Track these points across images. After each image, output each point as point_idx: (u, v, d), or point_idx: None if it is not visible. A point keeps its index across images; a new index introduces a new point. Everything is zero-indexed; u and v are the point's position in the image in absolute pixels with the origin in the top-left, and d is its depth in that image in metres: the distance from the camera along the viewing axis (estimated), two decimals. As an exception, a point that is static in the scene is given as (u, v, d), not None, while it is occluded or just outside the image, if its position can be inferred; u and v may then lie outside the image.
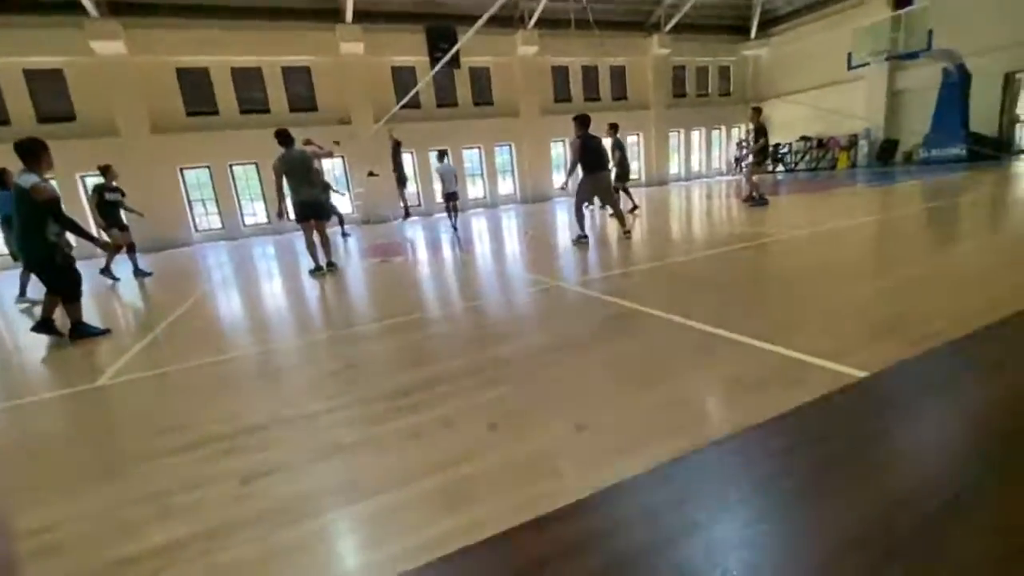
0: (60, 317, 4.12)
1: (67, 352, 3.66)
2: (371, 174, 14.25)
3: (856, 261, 3.94)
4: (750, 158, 8.95)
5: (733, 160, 21.83)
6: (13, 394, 2.87)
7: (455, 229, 10.06)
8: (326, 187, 11.61)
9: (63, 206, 3.80)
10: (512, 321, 3.30)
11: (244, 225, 14.69)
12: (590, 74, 18.87)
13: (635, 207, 9.98)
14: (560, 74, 18.24)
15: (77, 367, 3.27)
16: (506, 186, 18.36)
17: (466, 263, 6.02)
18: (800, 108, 18.68)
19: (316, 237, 6.05)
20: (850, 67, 15.14)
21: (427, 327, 3.32)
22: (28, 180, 3.61)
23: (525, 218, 11.68)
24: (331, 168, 14.82)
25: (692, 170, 21.82)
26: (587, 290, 3.80)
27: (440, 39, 15.18)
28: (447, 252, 7.16)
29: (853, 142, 17.69)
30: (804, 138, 19.24)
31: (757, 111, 8.61)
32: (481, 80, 17.18)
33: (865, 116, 17.05)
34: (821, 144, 18.75)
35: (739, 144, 21.36)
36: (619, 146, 9.44)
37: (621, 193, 9.53)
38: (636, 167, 20.61)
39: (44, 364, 3.45)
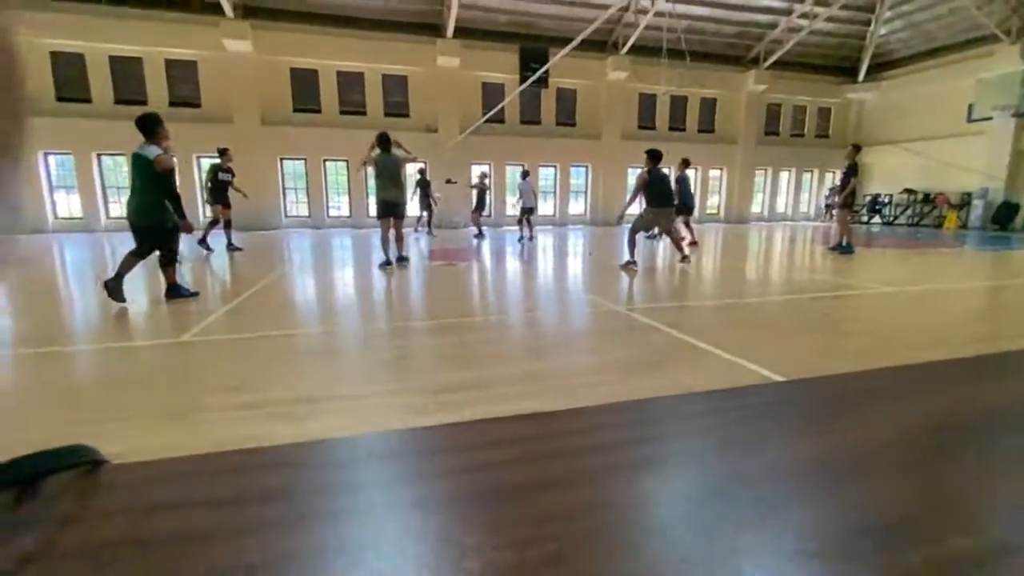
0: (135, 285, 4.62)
1: (161, 309, 4.10)
2: (449, 181, 14.81)
3: (940, 326, 3.58)
4: (838, 199, 8.47)
5: (823, 206, 20.54)
6: (110, 339, 3.25)
7: (530, 239, 10.92)
8: (426, 187, 12.44)
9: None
10: (562, 337, 3.31)
11: (328, 216, 15.72)
12: (678, 104, 18.58)
13: (693, 242, 9.71)
14: (647, 101, 18.10)
15: (167, 324, 3.65)
16: (577, 206, 18.38)
17: (527, 275, 6.10)
18: (907, 158, 17.30)
19: (392, 234, 6.51)
20: (970, 119, 13.85)
21: (479, 331, 3.40)
22: (152, 151, 4.11)
23: (592, 239, 11.62)
24: (412, 172, 15.56)
25: (776, 211, 20.75)
26: (641, 316, 3.73)
27: (532, 59, 15.59)
28: (511, 263, 7.28)
29: (966, 201, 16.09)
30: (908, 191, 17.75)
31: (856, 148, 8.13)
32: (567, 101, 17.42)
33: (984, 173, 15.47)
34: (928, 199, 17.21)
35: (831, 190, 20.08)
36: (680, 180, 9.45)
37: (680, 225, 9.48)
38: (716, 202, 19.95)
39: (141, 318, 3.88)
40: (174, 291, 4.38)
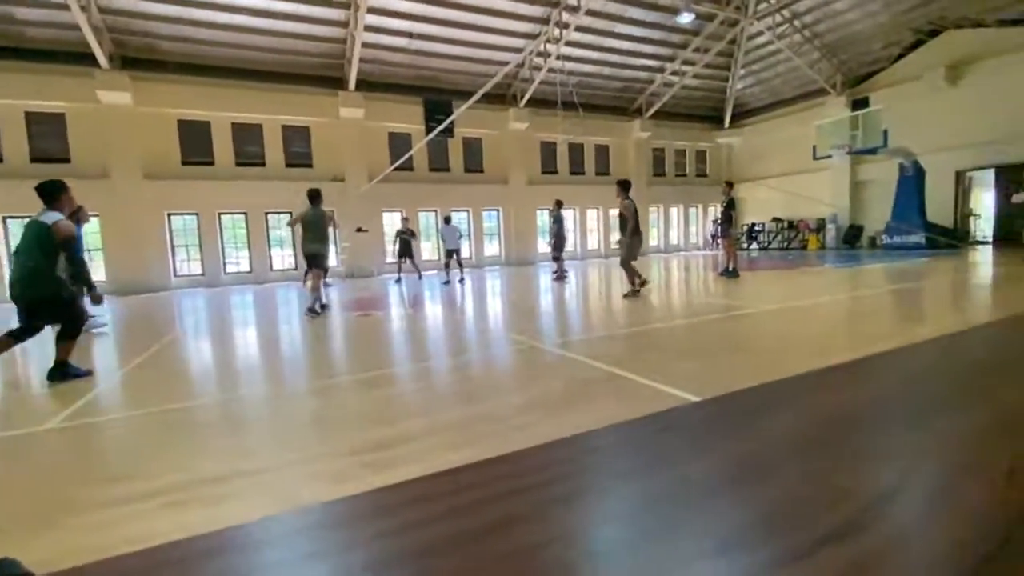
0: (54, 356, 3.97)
1: (32, 390, 3.50)
2: (360, 230, 14.49)
3: (816, 337, 4.09)
4: (724, 229, 9.61)
5: (710, 236, 22.83)
6: (-45, 435, 2.71)
7: (460, 280, 11.31)
8: (409, 236, 12.13)
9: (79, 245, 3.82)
10: (487, 379, 3.30)
11: (225, 272, 14.59)
12: (576, 150, 20.01)
13: (564, 274, 10.74)
14: (548, 148, 19.29)
15: (34, 407, 3.12)
16: (492, 248, 18.80)
17: (449, 320, 6.05)
18: (771, 192, 19.91)
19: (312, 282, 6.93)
20: (815, 157, 16.35)
21: (401, 382, 3.30)
22: (51, 217, 3.67)
23: (510, 279, 11.86)
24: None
25: (671, 243, 22.71)
26: (562, 350, 3.84)
27: (437, 111, 16.07)
28: (431, 307, 7.19)
29: (822, 225, 18.79)
30: (776, 219, 20.37)
31: (729, 185, 9.35)
32: (473, 149, 18.05)
33: (831, 203, 18.22)
34: (792, 226, 19.85)
35: (714, 222, 22.45)
36: (557, 219, 10.65)
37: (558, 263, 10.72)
38: (617, 237, 21.38)
39: (3, 401, 3.28)
40: (63, 370, 3.75)
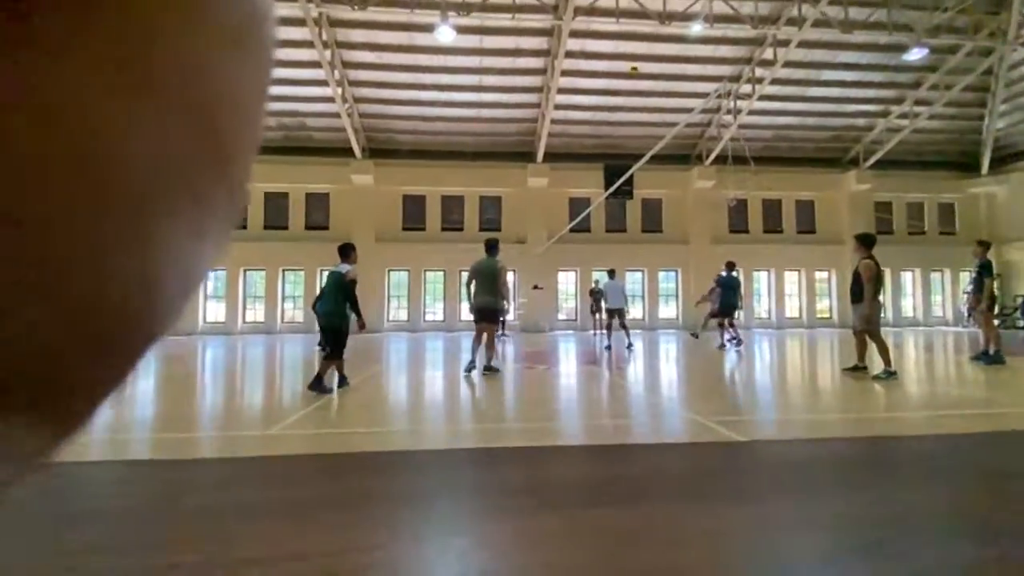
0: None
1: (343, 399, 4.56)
2: (536, 287, 15.38)
3: None
4: (976, 302, 7.40)
5: (962, 309, 17.91)
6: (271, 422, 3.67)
7: (628, 348, 9.69)
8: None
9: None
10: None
11: (424, 320, 16.85)
12: (771, 206, 18.22)
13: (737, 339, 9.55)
14: (736, 207, 17.99)
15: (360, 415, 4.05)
16: (668, 310, 17.92)
17: (615, 384, 5.91)
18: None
19: (484, 339, 6.30)
20: None
21: (555, 444, 3.33)
22: (344, 268, 5.04)
23: (686, 344, 11.08)
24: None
25: (903, 314, 18.45)
26: (747, 438, 3.40)
27: (616, 175, 16.54)
28: (598, 368, 7.15)
29: None
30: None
31: (983, 245, 7.26)
32: (652, 209, 17.90)
33: None
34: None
35: (966, 292, 17.60)
36: (718, 281, 9.77)
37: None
38: (828, 304, 18.39)
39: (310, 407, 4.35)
40: (319, 384, 4.82)
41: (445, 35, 12.10)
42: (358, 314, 5.07)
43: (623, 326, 9.79)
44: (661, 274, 17.80)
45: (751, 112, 14.97)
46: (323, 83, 13.53)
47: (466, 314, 17.95)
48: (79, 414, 0.11)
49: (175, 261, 0.11)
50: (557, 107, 14.88)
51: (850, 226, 17.77)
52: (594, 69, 14.26)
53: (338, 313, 4.97)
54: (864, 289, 5.87)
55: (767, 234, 18.18)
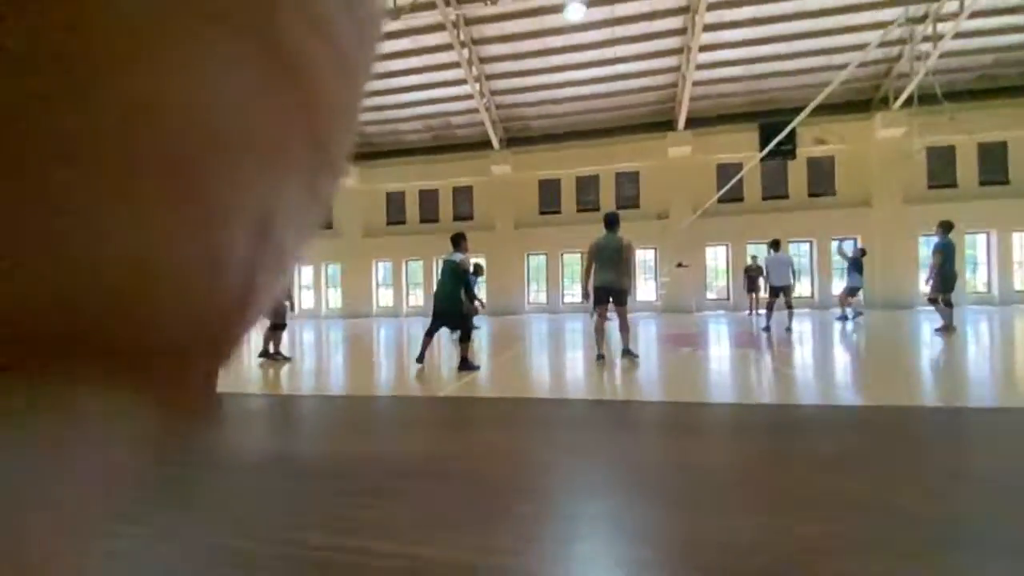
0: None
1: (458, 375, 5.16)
2: (680, 265, 14.52)
3: None
4: None
5: None
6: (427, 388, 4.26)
7: (787, 329, 8.38)
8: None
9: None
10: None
11: (563, 303, 17.10)
12: (991, 152, 14.40)
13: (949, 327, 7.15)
14: (940, 156, 14.61)
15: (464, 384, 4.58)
16: (841, 283, 15.40)
17: (782, 373, 5.39)
18: None
19: (608, 324, 5.91)
20: None
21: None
22: (458, 257, 5.47)
23: (874, 328, 9.46)
24: (643, 259, 15.90)
25: None
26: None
27: (775, 133, 14.62)
28: (755, 352, 6.56)
29: None
30: None
31: None
32: (822, 169, 15.47)
33: None
34: None
35: None
36: (940, 248, 7.52)
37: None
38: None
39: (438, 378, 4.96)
40: (464, 364, 5.24)
41: (575, 12, 11.92)
42: (472, 299, 5.58)
43: (788, 305, 8.58)
44: (834, 244, 15.34)
45: (959, 35, 11.94)
46: (463, 82, 14.38)
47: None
48: (213, 378, 0.11)
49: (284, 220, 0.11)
50: (699, 67, 13.66)
51: None
52: (742, 17, 12.74)
53: (455, 299, 5.33)
54: None
55: (985, 186, 14.46)
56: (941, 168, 14.75)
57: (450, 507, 1.67)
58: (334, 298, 19.19)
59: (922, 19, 12.22)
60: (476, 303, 6.46)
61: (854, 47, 13.03)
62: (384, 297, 18.81)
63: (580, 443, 2.52)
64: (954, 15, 11.58)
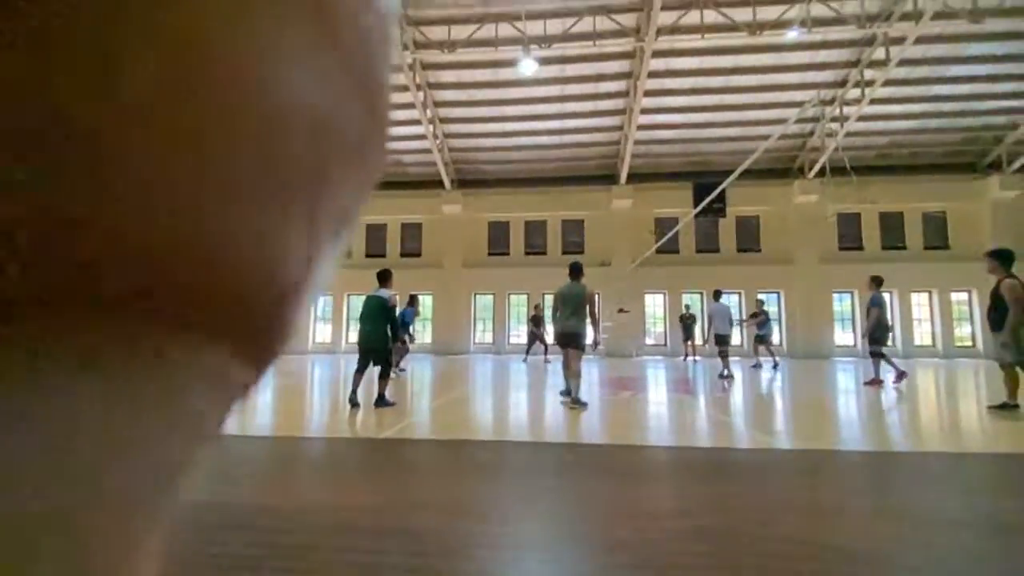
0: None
1: (370, 415, 4.93)
2: (621, 311, 15.02)
3: None
4: None
5: None
6: (334, 432, 4.02)
7: (722, 376, 8.80)
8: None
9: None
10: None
11: (508, 344, 17.10)
12: (891, 220, 16.29)
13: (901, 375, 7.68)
14: (847, 221, 16.33)
15: (375, 423, 4.37)
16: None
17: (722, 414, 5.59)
18: None
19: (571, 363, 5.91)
20: None
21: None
22: (384, 293, 5.40)
23: (799, 376, 10.11)
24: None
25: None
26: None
27: (706, 193, 15.81)
28: (700, 395, 6.79)
29: None
30: None
31: None
32: (748, 227, 16.82)
33: None
34: None
35: None
36: (877, 302, 7.66)
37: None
38: (969, 331, 15.89)
39: (352, 421, 4.72)
40: (382, 401, 5.26)
41: (528, 67, 12.57)
42: (396, 336, 5.53)
43: (724, 355, 9.10)
44: (761, 296, 16.51)
45: (861, 118, 13.67)
46: (416, 122, 14.62)
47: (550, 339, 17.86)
48: (274, 346, 0.11)
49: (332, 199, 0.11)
50: (640, 127, 14.68)
51: (994, 240, 15.35)
52: (679, 87, 13.95)
53: (381, 336, 5.30)
54: (1010, 314, 5.01)
55: (887, 251, 16.24)
56: (849, 232, 16.45)
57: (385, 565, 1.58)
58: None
59: (831, 102, 13.90)
60: (407, 338, 6.70)
61: (775, 121, 14.57)
62: (321, 332, 17.99)
63: (527, 488, 2.48)
64: (857, 100, 13.27)
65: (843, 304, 16.47)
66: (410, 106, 14.05)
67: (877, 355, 7.61)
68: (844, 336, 16.30)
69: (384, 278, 5.58)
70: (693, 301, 16.53)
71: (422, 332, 16.05)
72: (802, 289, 16.09)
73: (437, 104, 14.87)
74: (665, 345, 16.52)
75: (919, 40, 11.51)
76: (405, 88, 13.35)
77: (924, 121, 14.68)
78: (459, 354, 16.61)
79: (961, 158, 15.80)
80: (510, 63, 12.91)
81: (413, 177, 17.52)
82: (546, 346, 13.12)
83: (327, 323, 17.97)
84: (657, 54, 12.39)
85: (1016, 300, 4.97)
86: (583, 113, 14.94)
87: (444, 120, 15.44)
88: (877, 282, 7.87)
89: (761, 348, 11.62)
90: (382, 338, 5.31)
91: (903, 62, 12.23)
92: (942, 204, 15.99)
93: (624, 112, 14.68)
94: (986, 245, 15.48)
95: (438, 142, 15.43)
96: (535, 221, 17.39)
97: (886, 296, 16.15)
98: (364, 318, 5.42)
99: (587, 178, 16.93)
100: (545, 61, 12.82)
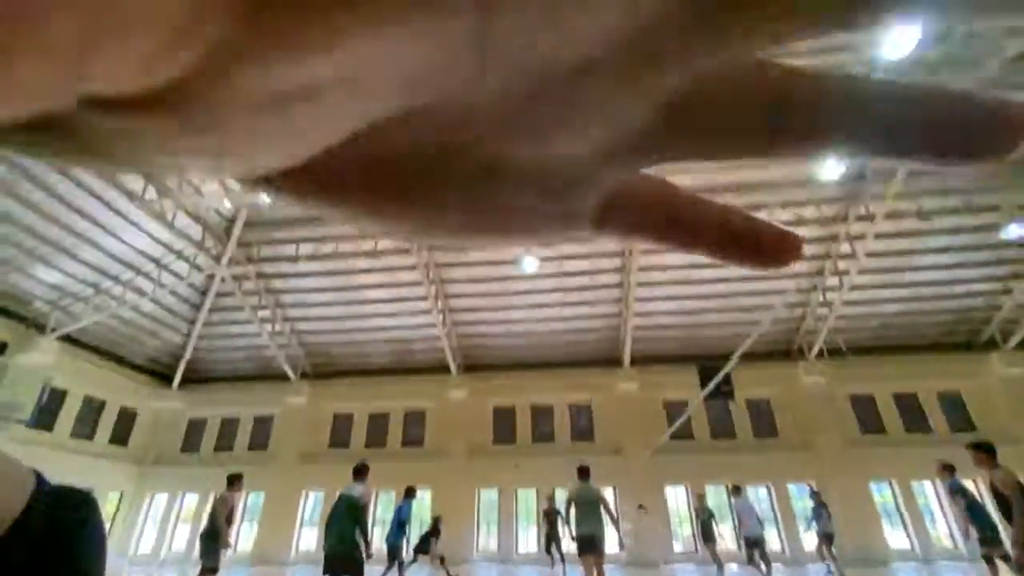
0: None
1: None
2: (640, 507, 13.61)
3: None
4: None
5: None
6: None
7: None
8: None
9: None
10: None
11: (517, 552, 15.01)
12: (906, 402, 15.83)
13: None
14: (862, 403, 15.88)
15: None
16: (812, 536, 14.51)
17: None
18: None
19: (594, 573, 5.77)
20: None
21: None
22: (356, 490, 4.92)
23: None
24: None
25: None
26: None
27: (711, 375, 15.76)
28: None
29: None
30: None
31: None
32: (761, 410, 16.29)
33: None
34: None
35: None
36: (959, 488, 6.62)
37: None
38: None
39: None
40: None
41: (529, 265, 13.90)
42: (366, 542, 4.81)
43: (765, 559, 8.08)
44: (792, 488, 15.07)
45: (847, 303, 14.44)
46: (427, 312, 15.51)
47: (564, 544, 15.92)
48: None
49: None
50: (638, 314, 15.45)
51: (1017, 419, 14.66)
52: (670, 279, 15.11)
53: (350, 541, 4.69)
54: (1015, 509, 4.57)
55: (909, 433, 15.41)
56: (866, 415, 15.83)
57: None
58: (245, 538, 16.02)
59: (812, 290, 14.87)
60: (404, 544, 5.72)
61: (764, 307, 15.38)
62: (307, 539, 15.94)
63: None
64: (838, 288, 14.19)
65: (883, 495, 14.93)
66: (422, 298, 15.10)
67: (990, 560, 6.10)
68: (897, 537, 14.30)
69: (360, 472, 5.09)
70: (718, 494, 15.07)
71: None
72: (834, 479, 14.76)
73: (447, 296, 15.97)
74: (696, 551, 14.45)
75: (879, 236, 12.87)
76: (419, 283, 14.54)
77: (909, 304, 15.44)
78: (461, 563, 14.47)
79: (956, 337, 16.15)
80: (514, 261, 14.30)
81: (420, 363, 17.79)
82: (563, 555, 11.36)
83: (314, 528, 16.13)
84: (645, 252, 13.76)
85: (1016, 489, 4.60)
86: (582, 302, 15.95)
87: (453, 310, 16.37)
88: (950, 470, 6.76)
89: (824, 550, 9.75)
90: (350, 543, 4.68)
91: (872, 254, 13.45)
92: (954, 383, 15.73)
93: (621, 300, 15.64)
94: (1007, 425, 14.77)
95: (446, 330, 16.11)
96: (542, 406, 16.98)
97: (939, 485, 14.86)
98: (330, 520, 4.87)
99: (592, 361, 17.14)
100: (544, 259, 14.22)
